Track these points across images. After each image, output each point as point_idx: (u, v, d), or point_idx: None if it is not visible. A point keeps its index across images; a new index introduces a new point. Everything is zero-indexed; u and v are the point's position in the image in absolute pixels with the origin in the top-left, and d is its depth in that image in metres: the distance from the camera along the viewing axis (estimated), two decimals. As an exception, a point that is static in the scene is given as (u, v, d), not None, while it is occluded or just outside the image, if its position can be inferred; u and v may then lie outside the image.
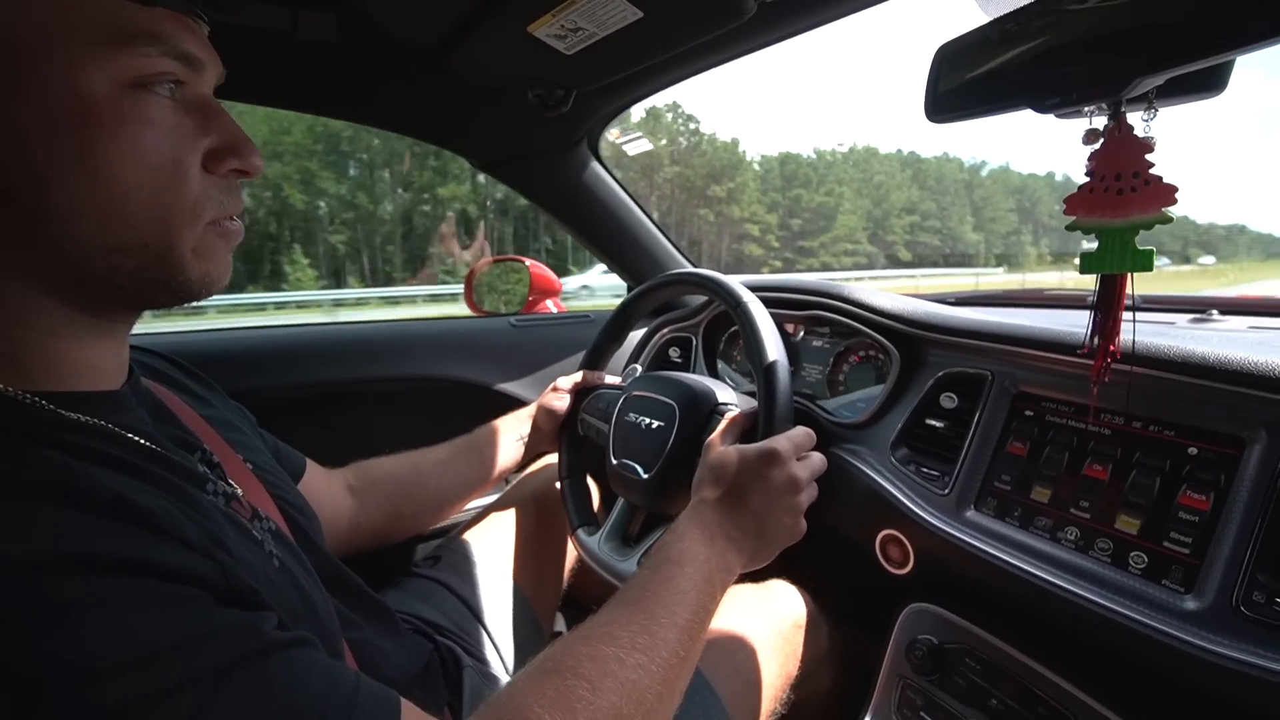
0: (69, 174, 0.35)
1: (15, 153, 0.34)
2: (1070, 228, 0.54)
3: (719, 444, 0.66)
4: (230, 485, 0.47)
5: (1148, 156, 0.48)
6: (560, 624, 1.00)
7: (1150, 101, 0.46)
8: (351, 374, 1.02)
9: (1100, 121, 0.52)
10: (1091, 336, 0.51)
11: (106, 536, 0.30)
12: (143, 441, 0.40)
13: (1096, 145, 0.52)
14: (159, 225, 0.38)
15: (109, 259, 0.37)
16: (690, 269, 0.85)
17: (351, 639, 0.52)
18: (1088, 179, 0.53)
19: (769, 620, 0.77)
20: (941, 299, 1.14)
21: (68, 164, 0.35)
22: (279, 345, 1.00)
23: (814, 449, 0.82)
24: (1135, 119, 0.48)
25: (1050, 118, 0.53)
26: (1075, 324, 0.65)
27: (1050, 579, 0.55)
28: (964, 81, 0.58)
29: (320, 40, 0.74)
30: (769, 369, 0.67)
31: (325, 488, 0.73)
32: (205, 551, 0.33)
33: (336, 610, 0.50)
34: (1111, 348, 0.50)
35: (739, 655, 0.70)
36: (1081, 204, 0.53)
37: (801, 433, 0.68)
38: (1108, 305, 0.52)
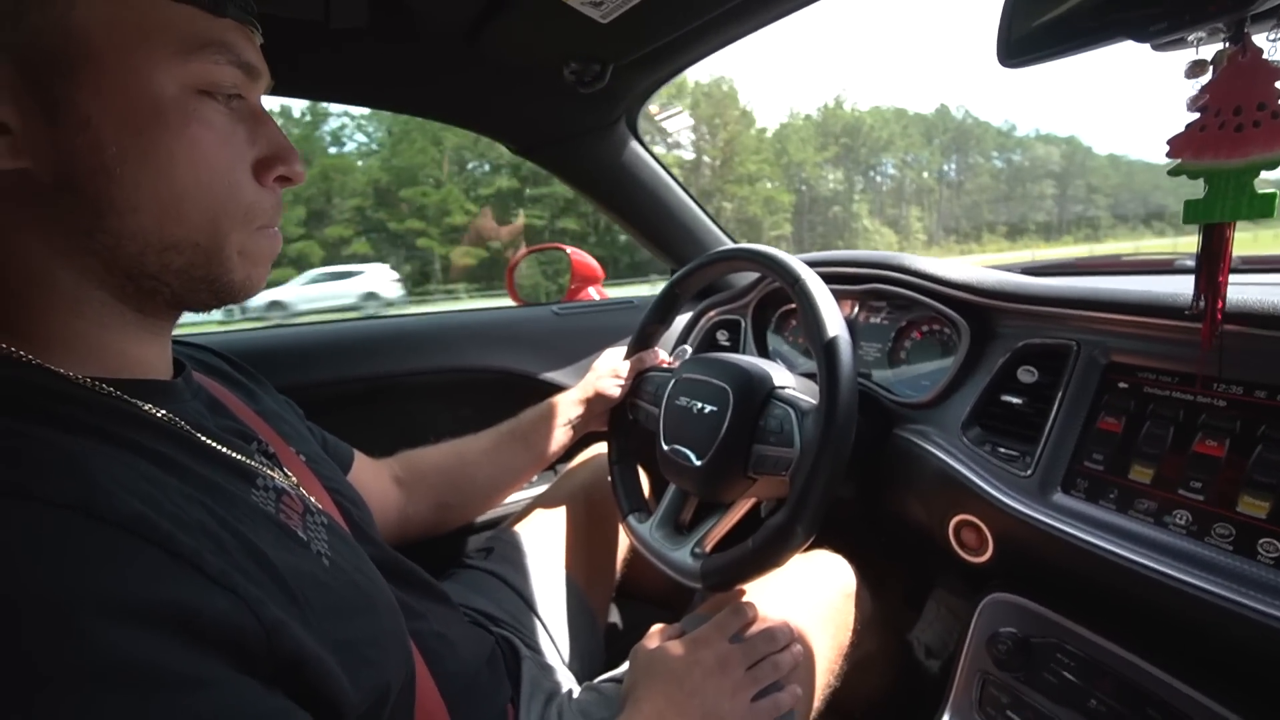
0: (134, 169, 0.36)
1: (86, 146, 0.35)
2: (1174, 172, 0.48)
3: (643, 646, 0.64)
4: (285, 475, 0.47)
5: (1278, 85, 0.41)
6: (615, 615, 0.98)
7: (1281, 18, 0.40)
8: (396, 367, 1.02)
9: (1209, 50, 0.46)
10: (1198, 296, 0.45)
11: (121, 563, 0.28)
12: (199, 435, 0.41)
13: (1205, 78, 0.46)
14: (211, 225, 0.39)
15: (161, 255, 0.38)
16: (743, 245, 0.81)
17: (415, 630, 0.51)
18: (1198, 115, 0.46)
19: (819, 593, 0.74)
20: (1007, 270, 1.07)
21: (134, 160, 0.36)
22: (323, 340, 1.01)
23: (873, 434, 0.78)
24: (1260, 41, 0.42)
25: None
26: (1170, 288, 0.59)
27: (1158, 568, 0.49)
28: (1044, 17, 0.52)
29: (352, 28, 0.73)
30: (830, 346, 0.62)
31: (373, 479, 0.73)
32: (225, 581, 0.31)
33: (398, 601, 0.49)
34: (1220, 305, 0.44)
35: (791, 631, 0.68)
36: (1189, 144, 0.47)
37: (727, 616, 0.65)
38: (1213, 259, 0.46)
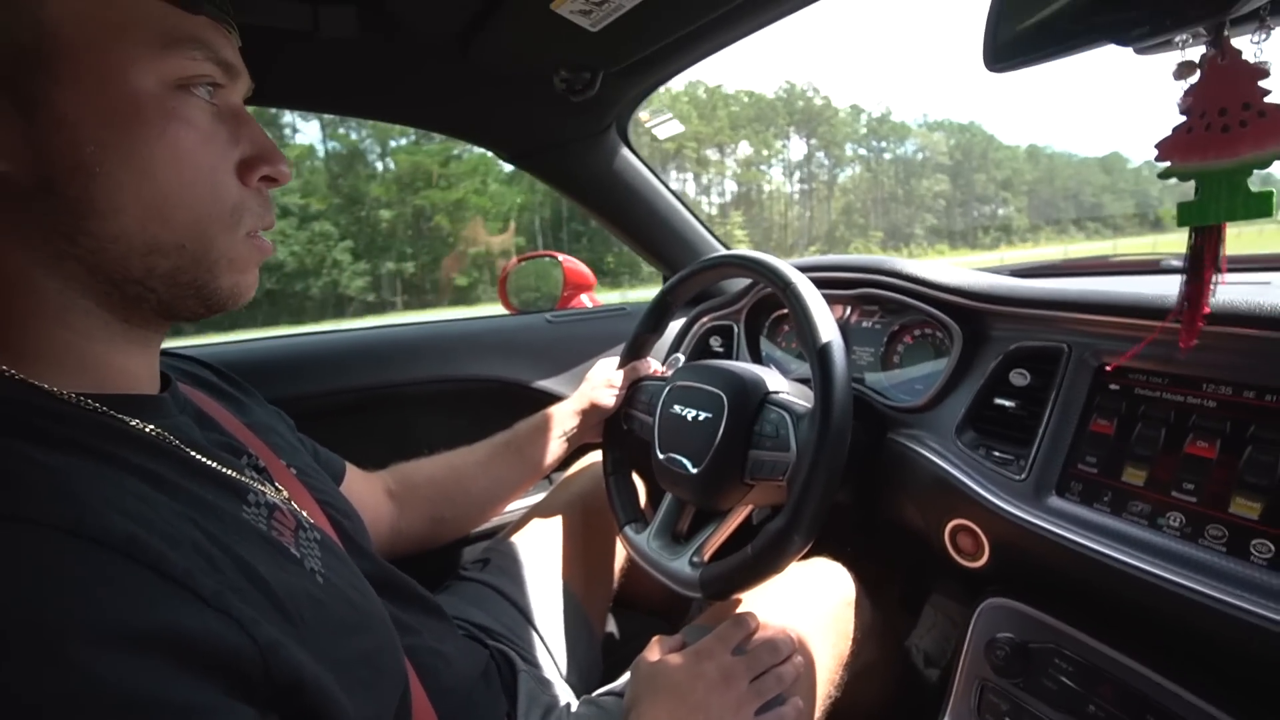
0: (115, 169, 0.35)
1: (64, 144, 0.34)
2: (1164, 175, 0.48)
3: (645, 659, 0.63)
4: (277, 489, 0.47)
5: (1261, 84, 0.42)
6: (612, 625, 0.98)
7: (1263, 19, 0.40)
8: (389, 377, 1.02)
9: (1196, 52, 0.46)
10: (1182, 299, 0.45)
11: (113, 587, 0.28)
12: (189, 451, 0.40)
13: (1193, 79, 0.46)
14: (198, 228, 0.39)
15: (146, 259, 0.37)
16: (734, 251, 0.81)
17: (409, 645, 0.51)
18: (1184, 118, 0.46)
19: (819, 601, 0.73)
20: (995, 273, 1.07)
21: (114, 159, 0.35)
22: (315, 351, 1.00)
23: (868, 439, 0.78)
24: (1242, 42, 0.42)
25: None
26: (1159, 289, 0.59)
27: (1153, 570, 0.49)
28: (1028, 21, 0.52)
29: (341, 37, 0.73)
30: (824, 350, 0.62)
31: (366, 492, 0.72)
32: (219, 602, 0.31)
33: (391, 616, 0.49)
34: (1204, 309, 0.44)
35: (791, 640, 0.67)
36: (1178, 147, 0.47)
37: (730, 628, 0.64)
38: (1197, 264, 0.46)
